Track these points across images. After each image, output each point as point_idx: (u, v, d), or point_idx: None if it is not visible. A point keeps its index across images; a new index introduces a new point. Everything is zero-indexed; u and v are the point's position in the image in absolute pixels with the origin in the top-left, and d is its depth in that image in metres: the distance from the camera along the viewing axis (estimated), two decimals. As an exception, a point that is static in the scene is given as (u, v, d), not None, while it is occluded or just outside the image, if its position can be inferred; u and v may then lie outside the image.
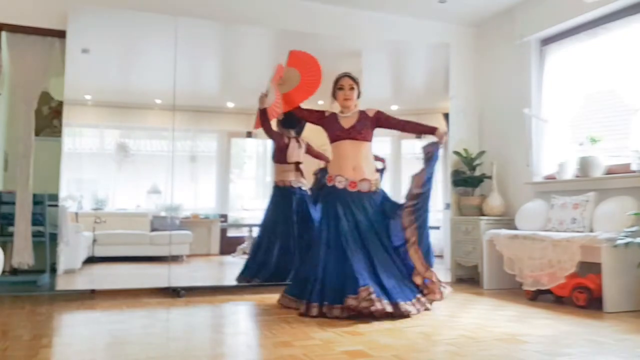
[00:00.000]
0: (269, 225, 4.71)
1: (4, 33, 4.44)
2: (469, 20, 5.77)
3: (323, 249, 3.77)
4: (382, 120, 4.05)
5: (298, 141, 4.71)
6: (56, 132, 5.98)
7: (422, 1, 5.24)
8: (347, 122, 3.99)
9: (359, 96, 4.12)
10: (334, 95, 4.10)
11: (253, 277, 4.64)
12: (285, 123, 4.66)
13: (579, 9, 4.58)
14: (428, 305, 3.74)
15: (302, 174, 4.71)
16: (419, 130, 4.14)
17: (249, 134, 5.07)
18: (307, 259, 3.98)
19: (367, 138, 4.00)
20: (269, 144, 4.89)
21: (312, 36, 4.99)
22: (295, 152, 4.67)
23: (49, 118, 6.30)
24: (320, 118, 4.09)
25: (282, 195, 4.70)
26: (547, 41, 5.15)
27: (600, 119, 4.69)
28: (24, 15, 4.43)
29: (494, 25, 5.71)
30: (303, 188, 4.68)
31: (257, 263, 4.65)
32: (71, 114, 4.33)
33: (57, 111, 6.16)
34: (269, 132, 4.55)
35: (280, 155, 4.68)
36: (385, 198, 4.02)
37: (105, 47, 4.49)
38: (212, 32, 4.81)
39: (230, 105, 5.07)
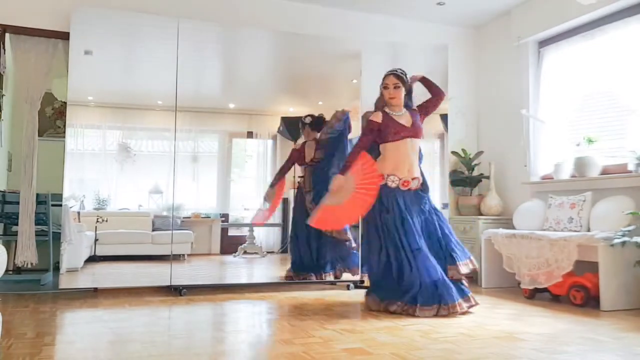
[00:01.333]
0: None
1: (7, 34, 4.48)
2: (468, 22, 5.81)
3: (392, 251, 3.73)
4: (423, 109, 4.06)
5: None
6: (59, 132, 6.03)
7: (421, 3, 5.28)
8: (405, 120, 3.91)
9: (409, 93, 4.01)
10: (382, 93, 4.00)
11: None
12: (312, 126, 4.89)
13: (575, 11, 4.62)
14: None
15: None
16: (433, 93, 4.12)
17: (250, 134, 5.12)
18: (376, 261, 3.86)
19: (422, 135, 4.02)
20: (269, 143, 4.95)
21: (312, 38, 5.04)
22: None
23: (52, 119, 6.35)
24: (377, 129, 3.88)
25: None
26: (544, 43, 5.19)
27: (596, 120, 4.73)
28: (28, 17, 4.48)
29: (492, 27, 5.75)
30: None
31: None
32: (74, 115, 4.37)
33: (60, 112, 6.21)
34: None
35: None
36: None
37: (107, 49, 4.54)
38: (214, 34, 4.85)
39: (231, 105, 5.11)
